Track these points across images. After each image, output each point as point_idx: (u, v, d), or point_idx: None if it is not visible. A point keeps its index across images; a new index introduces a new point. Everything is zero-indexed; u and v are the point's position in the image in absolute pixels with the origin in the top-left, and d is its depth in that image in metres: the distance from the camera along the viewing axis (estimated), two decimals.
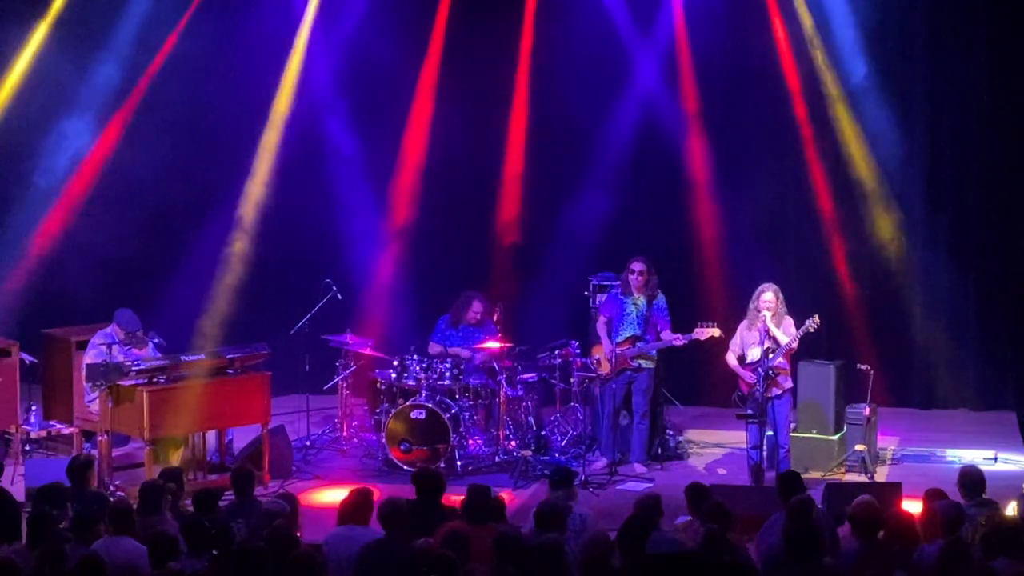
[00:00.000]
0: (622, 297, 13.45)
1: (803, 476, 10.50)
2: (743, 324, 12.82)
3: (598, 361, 13.62)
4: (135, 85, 15.52)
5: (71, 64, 15.41)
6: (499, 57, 15.76)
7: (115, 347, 12.87)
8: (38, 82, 15.47)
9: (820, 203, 15.59)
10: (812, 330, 12.56)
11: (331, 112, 15.97)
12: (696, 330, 13.13)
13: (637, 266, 13.33)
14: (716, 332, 13.09)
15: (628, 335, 13.37)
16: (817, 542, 8.56)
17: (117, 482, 12.49)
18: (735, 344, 12.84)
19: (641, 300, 13.35)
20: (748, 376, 12.62)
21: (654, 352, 13.44)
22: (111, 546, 8.89)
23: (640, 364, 13.37)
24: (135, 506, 9.64)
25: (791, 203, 15.64)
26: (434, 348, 14.20)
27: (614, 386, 13.36)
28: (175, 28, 15.53)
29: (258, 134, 15.65)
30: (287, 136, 15.66)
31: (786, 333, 12.58)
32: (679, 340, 13.20)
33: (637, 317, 13.34)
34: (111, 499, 10.59)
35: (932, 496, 9.60)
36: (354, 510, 9.43)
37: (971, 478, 9.99)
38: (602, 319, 13.57)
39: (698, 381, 15.10)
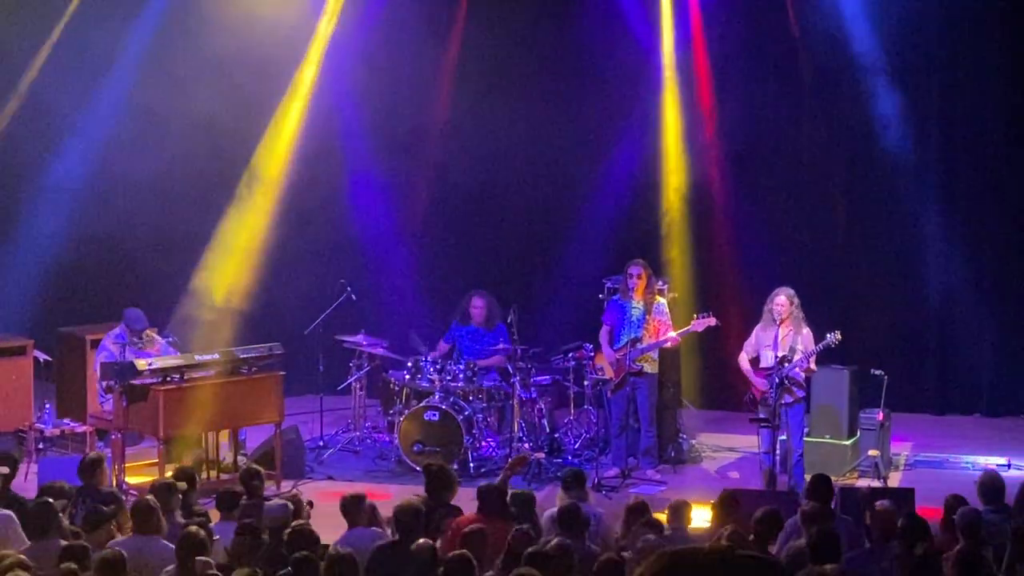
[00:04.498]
0: (623, 302, 13.41)
1: None
2: (759, 326, 12.76)
3: (601, 370, 13.62)
4: (150, 82, 15.50)
5: (84, 70, 15.46)
6: (515, 58, 15.78)
7: (128, 347, 12.88)
8: (51, 87, 15.49)
9: (835, 205, 15.59)
10: (833, 345, 12.49)
11: (346, 114, 15.98)
12: (694, 322, 13.06)
13: (635, 270, 13.26)
14: (713, 321, 13.00)
15: (627, 339, 13.34)
16: (838, 546, 8.59)
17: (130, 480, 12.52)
18: (749, 345, 12.75)
19: (641, 304, 13.32)
20: (759, 383, 12.56)
21: (655, 354, 13.38)
22: (143, 545, 8.87)
23: (642, 367, 13.31)
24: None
25: (805, 205, 15.62)
26: (443, 347, 14.22)
27: (628, 389, 13.34)
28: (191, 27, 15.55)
29: (273, 135, 15.68)
30: (302, 137, 15.68)
31: (804, 345, 12.51)
32: (673, 339, 13.19)
33: (636, 321, 13.30)
34: (124, 497, 10.60)
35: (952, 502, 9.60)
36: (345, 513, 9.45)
37: (990, 484, 9.96)
38: (604, 327, 13.51)
39: (712, 384, 15.07)
